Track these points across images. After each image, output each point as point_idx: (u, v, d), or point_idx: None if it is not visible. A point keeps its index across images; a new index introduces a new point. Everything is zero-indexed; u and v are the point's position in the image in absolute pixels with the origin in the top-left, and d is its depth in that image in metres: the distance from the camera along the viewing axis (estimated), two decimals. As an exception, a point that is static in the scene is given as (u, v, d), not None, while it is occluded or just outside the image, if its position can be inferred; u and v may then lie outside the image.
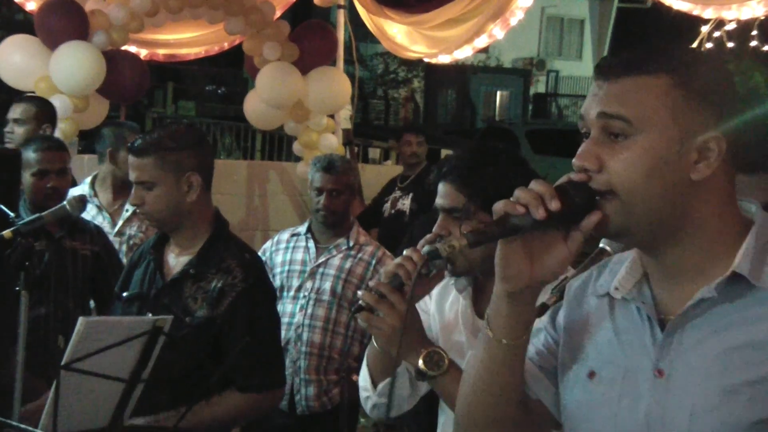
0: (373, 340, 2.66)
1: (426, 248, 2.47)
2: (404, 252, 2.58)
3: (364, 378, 2.76)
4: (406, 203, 7.03)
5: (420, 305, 2.80)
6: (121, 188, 5.08)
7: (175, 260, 3.26)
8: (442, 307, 2.82)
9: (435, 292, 2.84)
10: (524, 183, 2.46)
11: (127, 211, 5.02)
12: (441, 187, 2.67)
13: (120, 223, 4.96)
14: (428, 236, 2.63)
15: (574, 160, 1.68)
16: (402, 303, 2.44)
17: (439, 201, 2.67)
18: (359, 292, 2.55)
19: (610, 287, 1.77)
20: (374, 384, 2.70)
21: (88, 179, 5.19)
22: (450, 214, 2.64)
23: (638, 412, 1.66)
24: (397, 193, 7.15)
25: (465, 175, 2.63)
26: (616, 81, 1.67)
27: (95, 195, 5.07)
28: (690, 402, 1.60)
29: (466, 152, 2.74)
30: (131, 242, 4.84)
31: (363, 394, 2.77)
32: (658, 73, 1.64)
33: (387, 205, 7.15)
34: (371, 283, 2.56)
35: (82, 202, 3.56)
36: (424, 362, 2.54)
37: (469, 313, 2.73)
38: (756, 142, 2.33)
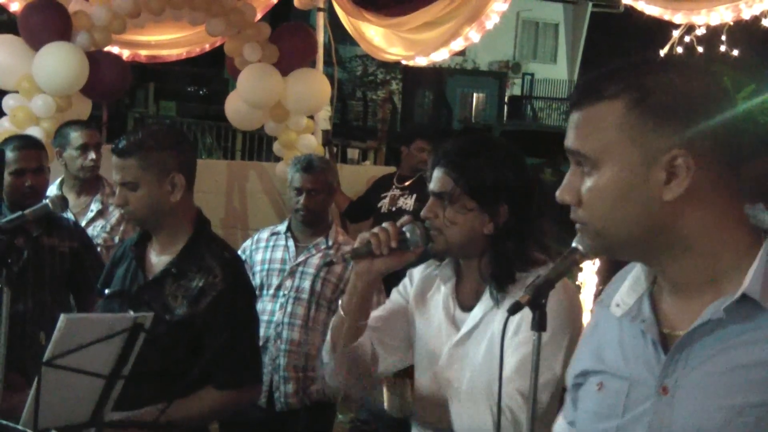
0: (339, 308, 2.71)
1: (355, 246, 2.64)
2: (382, 224, 2.64)
3: (325, 347, 2.79)
4: (408, 202, 6.99)
5: (399, 288, 2.86)
6: (82, 188, 5.09)
7: (157, 258, 3.25)
8: (425, 295, 2.84)
9: (417, 278, 2.86)
10: (515, 175, 2.52)
11: (91, 211, 5.04)
12: (435, 173, 2.70)
13: (83, 223, 4.93)
14: (406, 217, 2.66)
15: (557, 193, 1.69)
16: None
17: (430, 186, 2.71)
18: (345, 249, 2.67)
19: (611, 303, 1.76)
20: (334, 349, 2.73)
21: (58, 180, 5.19)
22: (439, 197, 2.66)
23: (642, 427, 1.64)
24: (397, 192, 7.11)
25: (456, 162, 2.66)
26: (578, 111, 1.66)
27: (63, 194, 5.07)
28: (694, 421, 1.58)
29: (460, 141, 2.76)
30: (96, 242, 4.82)
31: (323, 361, 2.80)
32: (613, 98, 1.61)
33: (384, 202, 7.11)
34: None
35: (64, 201, 3.54)
36: (389, 390, 2.64)
37: (451, 304, 2.75)
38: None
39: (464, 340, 2.67)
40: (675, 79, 1.59)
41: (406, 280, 2.87)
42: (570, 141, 1.66)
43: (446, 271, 2.76)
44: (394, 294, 2.86)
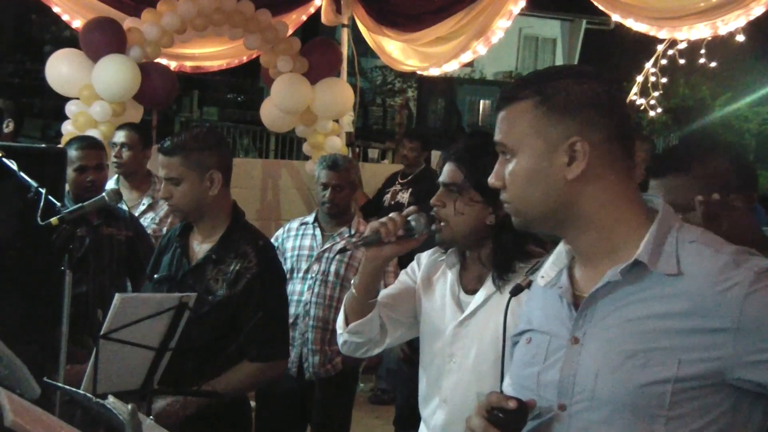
0: (352, 287, 2.73)
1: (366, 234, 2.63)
2: (390, 215, 2.64)
3: (339, 319, 2.81)
4: (405, 196, 7.02)
5: (408, 271, 2.85)
6: (135, 184, 5.11)
7: (199, 247, 3.26)
8: (431, 279, 2.83)
9: (425, 262, 2.85)
10: None
11: (143, 205, 5.06)
12: (446, 166, 2.69)
13: (136, 214, 4.95)
14: (412, 207, 2.66)
15: (488, 179, 1.83)
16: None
17: (441, 177, 2.69)
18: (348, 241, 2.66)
19: (537, 276, 1.91)
20: (347, 323, 2.75)
21: (115, 177, 5.21)
22: (448, 188, 2.66)
23: (556, 371, 1.75)
24: (397, 187, 7.14)
25: (466, 157, 2.66)
26: (501, 110, 1.80)
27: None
28: (596, 364, 1.69)
29: (470, 139, 2.76)
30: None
31: (338, 332, 2.82)
32: (524, 99, 1.75)
33: (387, 197, 7.14)
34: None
35: (118, 194, 3.56)
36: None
37: (456, 287, 2.74)
38: (664, 150, 2.37)
39: (468, 320, 2.66)
40: (571, 83, 1.74)
41: (414, 264, 2.86)
42: (496, 135, 1.81)
43: (452, 258, 2.75)
44: (403, 275, 2.85)
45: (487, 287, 2.66)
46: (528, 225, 1.81)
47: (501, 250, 2.63)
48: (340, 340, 2.81)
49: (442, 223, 2.62)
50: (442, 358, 2.69)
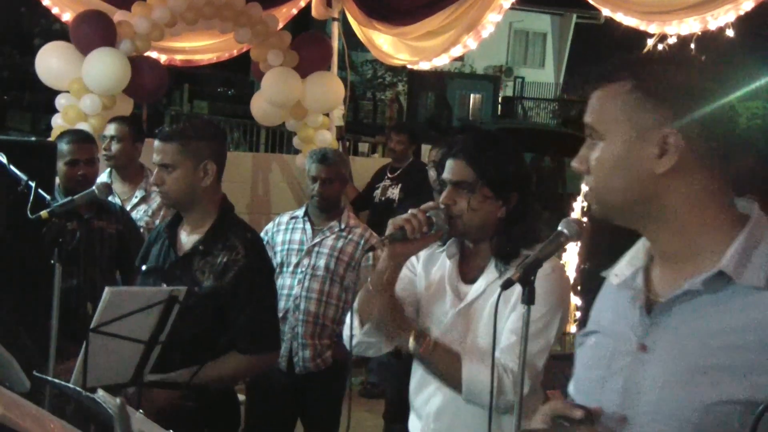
0: (368, 285, 2.67)
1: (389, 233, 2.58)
2: (409, 210, 2.61)
3: (352, 321, 2.72)
4: (395, 192, 7.01)
5: (408, 265, 2.82)
6: (128, 177, 5.10)
7: (187, 238, 3.25)
8: (429, 270, 2.84)
9: (423, 255, 2.85)
10: (521, 166, 2.52)
11: (135, 197, 5.06)
12: (450, 163, 2.70)
13: (128, 207, 4.94)
14: (431, 203, 2.65)
15: (572, 162, 1.72)
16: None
17: (447, 175, 2.69)
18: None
19: (611, 274, 1.79)
20: (362, 324, 2.70)
21: (108, 170, 5.19)
22: (457, 186, 2.66)
23: (620, 378, 1.65)
24: (387, 182, 7.13)
25: (474, 154, 2.67)
26: (594, 90, 1.69)
27: (112, 183, 5.08)
28: (663, 376, 1.59)
29: (472, 135, 2.77)
30: (139, 224, 4.83)
31: (347, 332, 2.73)
32: (620, 81, 1.65)
33: (377, 192, 7.13)
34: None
35: (108, 187, 3.55)
36: (415, 341, 2.60)
37: (455, 276, 2.76)
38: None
39: (467, 308, 2.69)
40: (674, 70, 1.63)
41: (413, 258, 2.84)
42: (586, 116, 1.70)
43: (452, 249, 2.78)
44: (405, 270, 2.82)
45: (487, 277, 2.69)
46: (607, 215, 1.70)
47: (511, 239, 2.67)
48: (353, 341, 2.72)
49: (453, 218, 2.64)
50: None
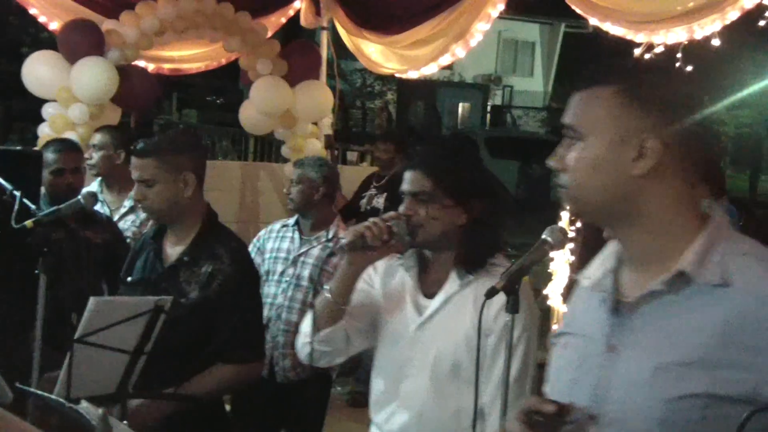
0: (326, 292, 2.68)
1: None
2: (369, 219, 2.62)
3: (306, 325, 2.72)
4: (380, 201, 6.99)
5: (365, 277, 2.78)
6: (119, 186, 5.06)
7: (172, 249, 3.23)
8: (388, 283, 2.80)
9: (381, 268, 2.82)
10: (479, 176, 2.54)
11: (124, 207, 5.00)
12: (408, 174, 2.69)
13: (117, 217, 4.91)
14: (392, 213, 2.65)
15: (547, 160, 1.76)
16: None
17: (405, 186, 2.69)
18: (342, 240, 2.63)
19: (582, 276, 1.83)
20: (316, 331, 2.69)
21: (98, 179, 5.16)
22: (415, 197, 2.65)
23: (590, 378, 1.69)
24: (373, 191, 7.11)
25: (432, 164, 2.67)
26: (578, 92, 1.72)
27: (102, 192, 5.06)
28: (629, 375, 1.63)
29: (431, 147, 2.77)
30: (127, 234, 4.80)
31: (302, 340, 2.73)
32: (607, 84, 1.68)
33: (363, 201, 7.11)
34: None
35: (93, 197, 3.53)
36: None
37: (415, 290, 2.73)
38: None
39: (427, 323, 2.66)
40: (661, 79, 1.69)
41: (370, 269, 2.81)
42: (567, 116, 1.73)
43: (409, 262, 2.75)
44: (361, 283, 2.77)
45: (447, 290, 2.66)
46: (582, 214, 1.77)
47: (475, 247, 2.64)
48: (305, 349, 2.72)
49: (414, 228, 2.63)
50: (401, 363, 2.68)
